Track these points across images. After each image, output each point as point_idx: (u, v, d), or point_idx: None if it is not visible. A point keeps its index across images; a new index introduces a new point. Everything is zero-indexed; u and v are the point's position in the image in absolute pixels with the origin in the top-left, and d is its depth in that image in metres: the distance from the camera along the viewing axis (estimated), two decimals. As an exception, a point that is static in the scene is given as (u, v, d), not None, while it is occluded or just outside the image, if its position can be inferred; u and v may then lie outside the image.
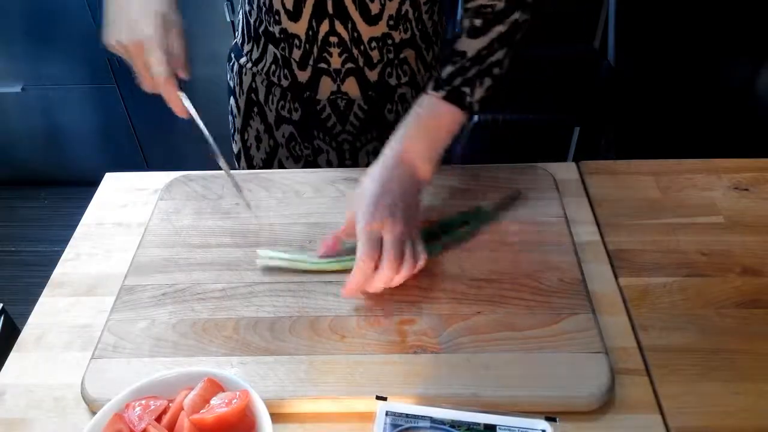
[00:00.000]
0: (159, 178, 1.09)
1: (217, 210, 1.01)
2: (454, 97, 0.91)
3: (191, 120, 0.92)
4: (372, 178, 0.87)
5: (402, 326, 0.82)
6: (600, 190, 1.03)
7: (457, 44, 0.93)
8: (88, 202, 1.06)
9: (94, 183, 1.11)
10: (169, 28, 0.88)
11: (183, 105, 0.91)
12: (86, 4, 2.25)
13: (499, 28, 0.91)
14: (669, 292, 0.86)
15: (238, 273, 0.90)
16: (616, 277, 0.89)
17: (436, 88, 0.92)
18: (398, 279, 0.83)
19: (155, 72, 0.87)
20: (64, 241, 0.98)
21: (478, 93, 0.92)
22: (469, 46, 0.92)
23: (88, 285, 0.91)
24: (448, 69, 0.92)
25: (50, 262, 0.95)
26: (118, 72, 2.41)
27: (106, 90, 2.46)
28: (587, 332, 0.80)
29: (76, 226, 1.01)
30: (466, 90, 0.91)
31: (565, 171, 1.06)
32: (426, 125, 0.91)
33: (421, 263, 0.84)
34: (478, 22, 0.91)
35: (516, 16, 0.91)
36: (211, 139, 0.90)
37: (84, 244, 0.98)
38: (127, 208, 1.04)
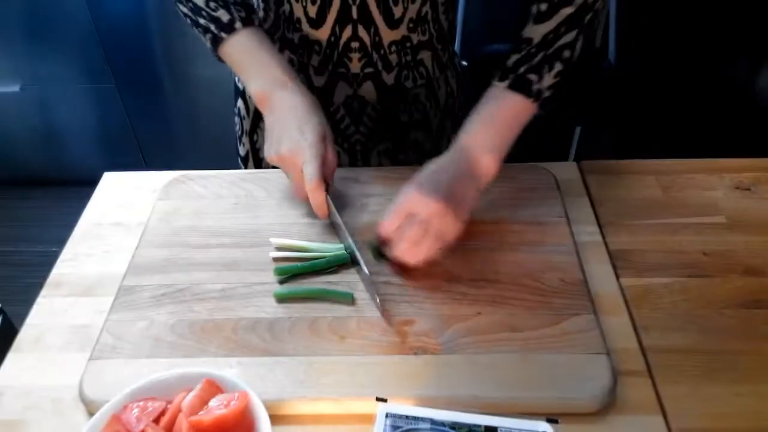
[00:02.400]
0: (158, 178, 1.08)
1: (217, 210, 1.00)
2: (519, 86, 0.89)
3: (329, 217, 0.94)
4: (431, 164, 0.89)
5: (402, 327, 0.81)
6: (601, 189, 1.03)
7: (523, 31, 0.91)
8: (87, 202, 1.05)
9: (92, 183, 1.10)
10: (325, 138, 0.92)
11: (328, 209, 0.93)
12: (85, 3, 2.24)
13: (567, 10, 0.89)
14: (671, 292, 0.86)
15: (238, 273, 0.89)
16: (617, 278, 0.88)
17: (501, 78, 0.90)
18: (414, 259, 0.85)
19: (308, 174, 0.89)
20: (63, 242, 0.98)
21: (547, 80, 0.90)
22: (535, 31, 0.90)
23: (86, 285, 0.91)
24: (514, 57, 0.90)
25: (49, 262, 0.94)
26: (116, 71, 2.40)
27: (105, 89, 2.45)
28: (589, 333, 0.79)
29: (74, 226, 1.01)
30: (532, 77, 0.89)
31: (567, 170, 1.06)
32: (490, 116, 0.90)
33: (437, 247, 0.86)
34: (544, 6, 0.89)
35: None
36: (355, 248, 0.89)
37: (82, 244, 0.98)
38: (125, 208, 1.04)
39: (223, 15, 0.95)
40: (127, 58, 2.37)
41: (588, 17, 0.90)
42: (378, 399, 0.71)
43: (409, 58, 1.07)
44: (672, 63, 1.84)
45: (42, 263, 1.09)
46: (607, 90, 1.92)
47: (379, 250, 0.89)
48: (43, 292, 0.90)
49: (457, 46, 1.16)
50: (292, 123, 0.91)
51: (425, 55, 1.08)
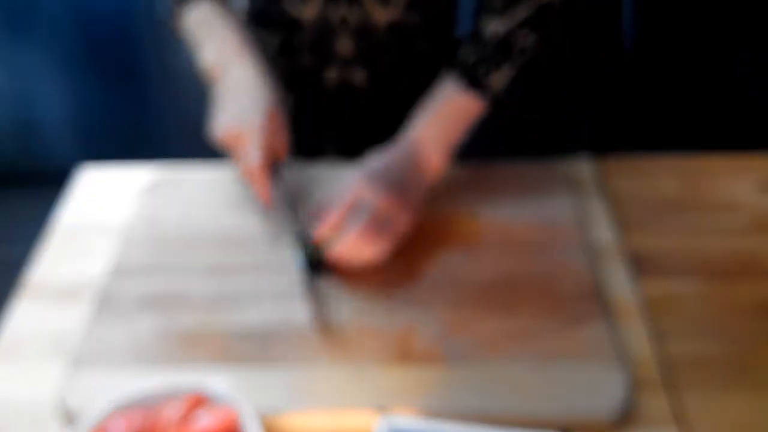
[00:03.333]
0: (141, 173, 1.04)
1: (206, 209, 0.97)
2: (474, 85, 0.90)
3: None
4: (375, 156, 0.87)
5: (405, 334, 0.79)
6: (617, 188, 1.00)
7: (480, 26, 0.91)
8: (62, 198, 1.02)
9: (68, 176, 1.06)
10: (275, 121, 0.90)
11: (271, 193, 0.89)
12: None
13: (527, 9, 0.89)
14: (690, 297, 0.84)
15: (229, 278, 0.87)
16: (634, 282, 0.86)
17: (455, 75, 0.91)
18: (359, 256, 0.82)
19: (250, 158, 0.87)
20: (35, 242, 0.95)
21: (502, 81, 0.91)
22: (494, 28, 0.90)
23: (65, 290, 0.88)
24: (470, 54, 0.91)
25: (20, 264, 0.92)
26: (96, 55, 2.36)
27: (85, 79, 2.41)
28: (603, 341, 0.77)
29: (48, 224, 0.97)
30: (488, 78, 0.90)
31: (579, 167, 1.04)
32: (441, 113, 0.91)
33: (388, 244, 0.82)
34: (499, 1, 0.90)
35: None
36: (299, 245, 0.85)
37: (59, 244, 0.94)
38: (107, 205, 1.00)
39: None
40: (108, 42, 2.32)
41: (549, 20, 0.91)
42: (379, 411, 0.69)
43: (404, 42, 1.03)
44: (691, 54, 1.84)
45: (11, 265, 1.06)
46: (623, 79, 1.92)
47: (314, 255, 0.84)
48: (19, 296, 0.87)
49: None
50: (242, 99, 0.90)
51: (422, 41, 1.05)
